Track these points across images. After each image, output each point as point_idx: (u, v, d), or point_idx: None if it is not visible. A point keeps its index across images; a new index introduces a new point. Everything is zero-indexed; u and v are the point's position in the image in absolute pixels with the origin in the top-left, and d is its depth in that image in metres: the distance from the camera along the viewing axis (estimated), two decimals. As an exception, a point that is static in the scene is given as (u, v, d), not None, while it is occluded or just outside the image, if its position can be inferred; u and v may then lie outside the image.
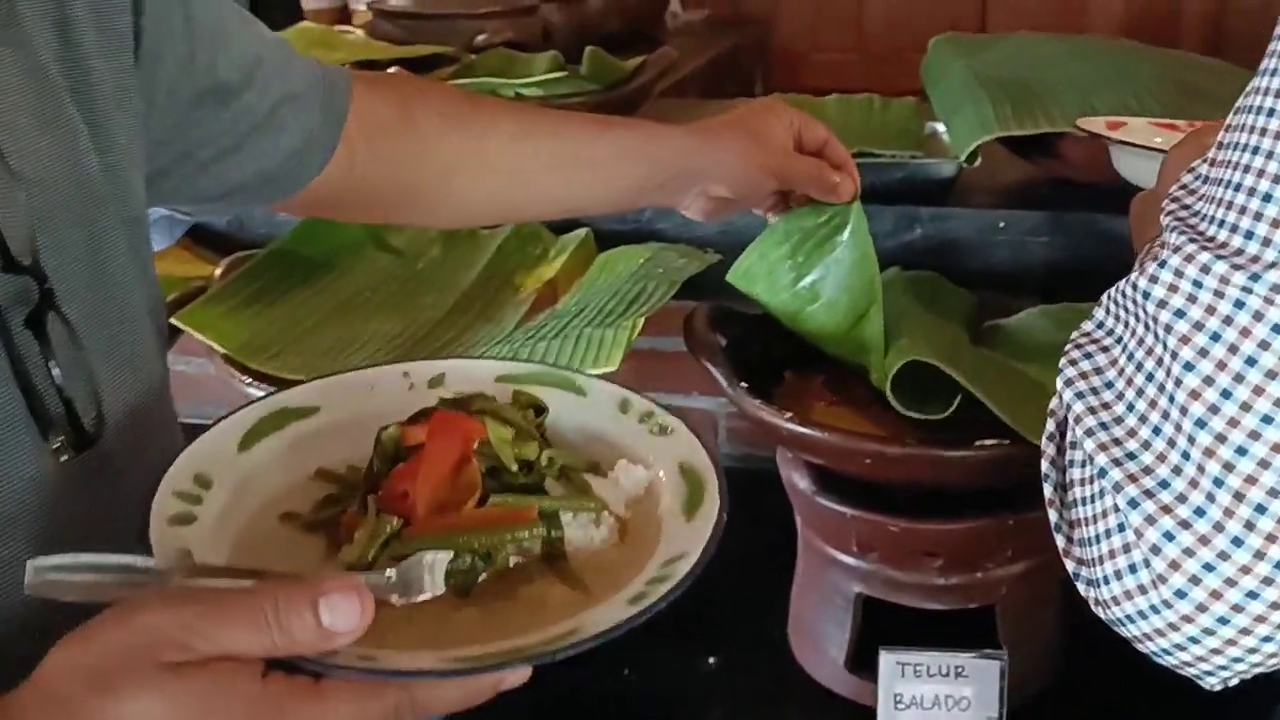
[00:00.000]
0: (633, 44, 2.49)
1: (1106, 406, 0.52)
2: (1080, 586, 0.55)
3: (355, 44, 1.63)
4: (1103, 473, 0.50)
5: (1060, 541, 0.57)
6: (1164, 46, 1.41)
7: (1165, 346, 0.48)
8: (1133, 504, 0.48)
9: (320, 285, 1.14)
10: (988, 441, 0.82)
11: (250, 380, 0.98)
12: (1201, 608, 0.47)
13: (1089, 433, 0.52)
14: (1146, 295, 0.50)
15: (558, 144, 0.85)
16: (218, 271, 1.13)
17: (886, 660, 0.92)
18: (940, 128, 1.35)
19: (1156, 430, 0.49)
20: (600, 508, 0.59)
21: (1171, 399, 0.48)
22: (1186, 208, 0.52)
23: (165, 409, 0.65)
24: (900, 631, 0.97)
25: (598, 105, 1.36)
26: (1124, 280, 0.53)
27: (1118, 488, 0.49)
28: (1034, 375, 0.94)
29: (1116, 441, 0.50)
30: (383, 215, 0.92)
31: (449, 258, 1.21)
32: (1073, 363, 0.56)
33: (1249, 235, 0.47)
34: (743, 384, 0.94)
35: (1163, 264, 0.50)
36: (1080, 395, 0.53)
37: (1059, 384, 0.56)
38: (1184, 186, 0.54)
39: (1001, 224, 1.18)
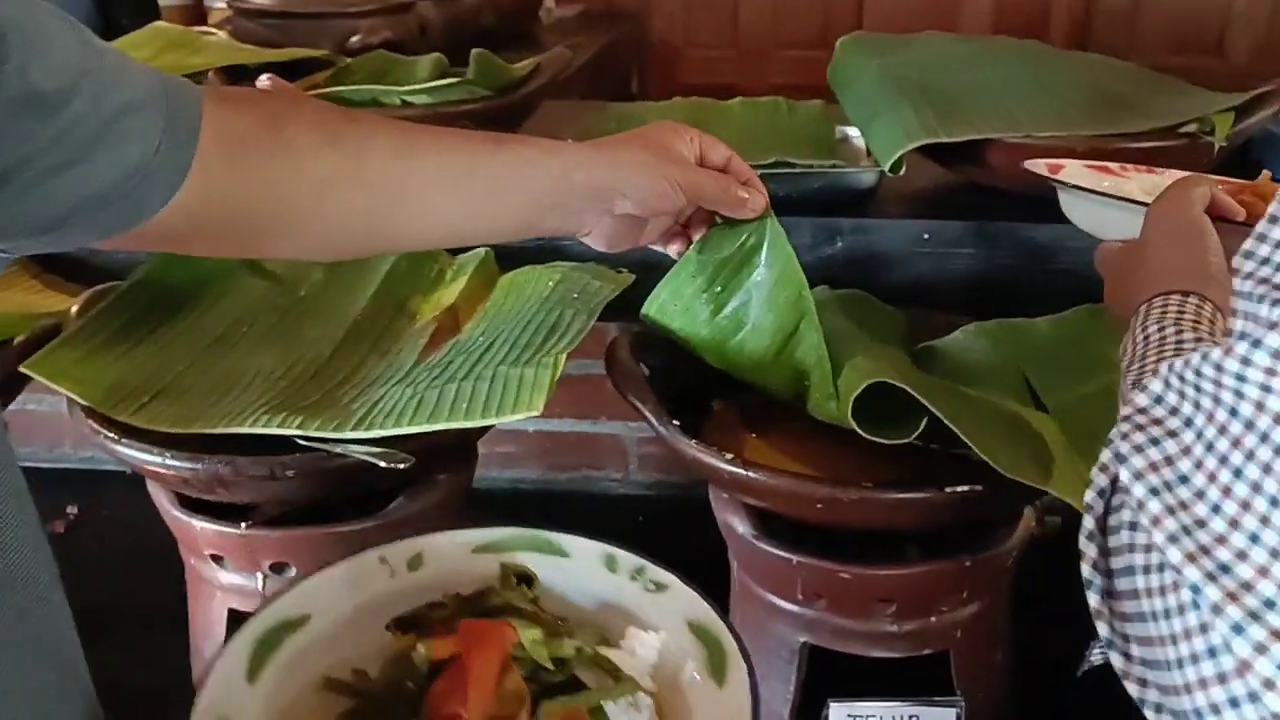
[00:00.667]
0: (509, 42, 2.40)
1: (1185, 506, 0.44)
2: (1150, 715, 0.47)
3: (217, 47, 1.50)
4: (1195, 589, 0.43)
5: (1117, 661, 0.48)
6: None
7: (1265, 438, 0.41)
8: (1237, 629, 0.41)
9: (190, 320, 1.02)
10: (960, 488, 0.75)
11: (117, 436, 0.86)
12: None
13: (1172, 539, 0.44)
14: (1241, 378, 0.43)
15: (445, 159, 0.75)
16: (74, 308, 1.00)
17: (837, 713, 0.86)
18: (852, 132, 1.29)
19: (1254, 538, 0.41)
20: (634, 688, 0.57)
21: (1275, 502, 0.41)
22: (1266, 282, 0.46)
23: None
24: (845, 678, 0.91)
25: (490, 111, 1.27)
26: (1195, 357, 0.46)
27: (1216, 609, 0.42)
28: (982, 400, 0.88)
29: (1205, 550, 0.43)
30: (247, 246, 0.78)
31: (334, 283, 1.10)
32: (1137, 449, 0.48)
33: None
34: (675, 421, 0.86)
35: (1257, 343, 0.43)
36: (1154, 491, 0.46)
37: (1122, 473, 0.48)
38: (1262, 259, 0.48)
39: (926, 235, 1.13)
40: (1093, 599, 0.49)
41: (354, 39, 1.62)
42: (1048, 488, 0.75)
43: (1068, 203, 0.89)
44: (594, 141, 0.82)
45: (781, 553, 0.85)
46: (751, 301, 0.89)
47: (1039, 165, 0.91)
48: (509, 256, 1.13)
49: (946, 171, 1.20)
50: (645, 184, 0.80)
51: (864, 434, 0.80)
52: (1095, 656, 0.62)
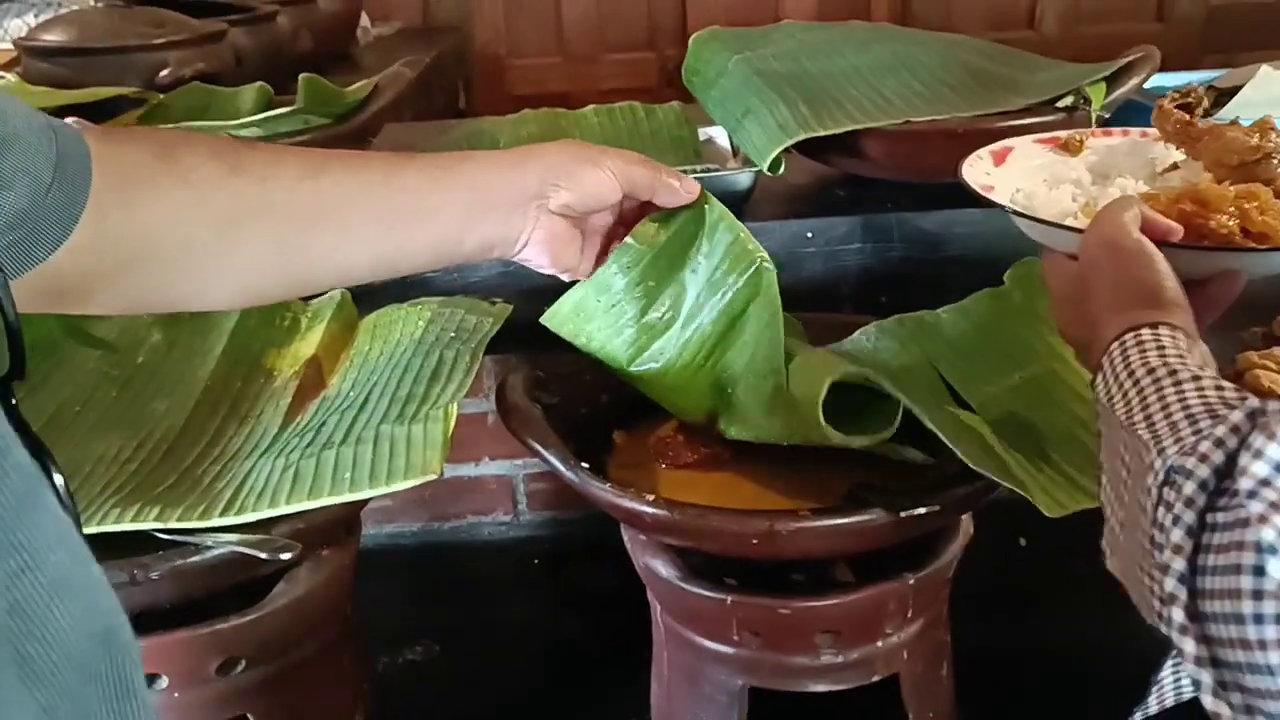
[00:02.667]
0: (328, 66, 2.28)
1: None
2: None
3: (7, 91, 1.35)
4: None
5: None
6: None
7: None
8: None
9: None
10: (918, 511, 0.69)
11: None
12: None
13: None
14: None
15: (358, 176, 0.69)
16: None
17: (787, 758, 0.79)
18: (715, 133, 1.24)
19: None
20: None
21: None
22: None
23: None
24: (788, 714, 0.85)
25: (329, 139, 1.17)
26: None
27: None
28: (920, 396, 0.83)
29: None
30: (149, 296, 0.68)
31: (175, 346, 0.98)
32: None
33: None
34: (583, 464, 0.78)
35: None
36: None
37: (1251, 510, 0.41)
38: None
39: (809, 234, 1.07)
40: (1192, 667, 0.43)
41: (164, 73, 1.49)
42: (1009, 483, 0.71)
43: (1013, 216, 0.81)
44: (513, 149, 0.77)
45: (713, 594, 0.78)
46: (686, 295, 0.82)
47: (978, 165, 0.83)
48: (365, 297, 1.04)
49: (822, 166, 1.15)
50: (580, 171, 0.75)
51: (837, 439, 0.74)
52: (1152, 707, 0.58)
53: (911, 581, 0.78)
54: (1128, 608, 0.50)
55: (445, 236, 0.72)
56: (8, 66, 1.52)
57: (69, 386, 0.93)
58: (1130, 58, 1.10)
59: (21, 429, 0.39)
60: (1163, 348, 0.55)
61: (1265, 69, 1.07)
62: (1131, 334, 0.57)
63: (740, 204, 1.09)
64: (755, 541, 0.72)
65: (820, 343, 0.97)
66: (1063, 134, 0.88)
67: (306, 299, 1.03)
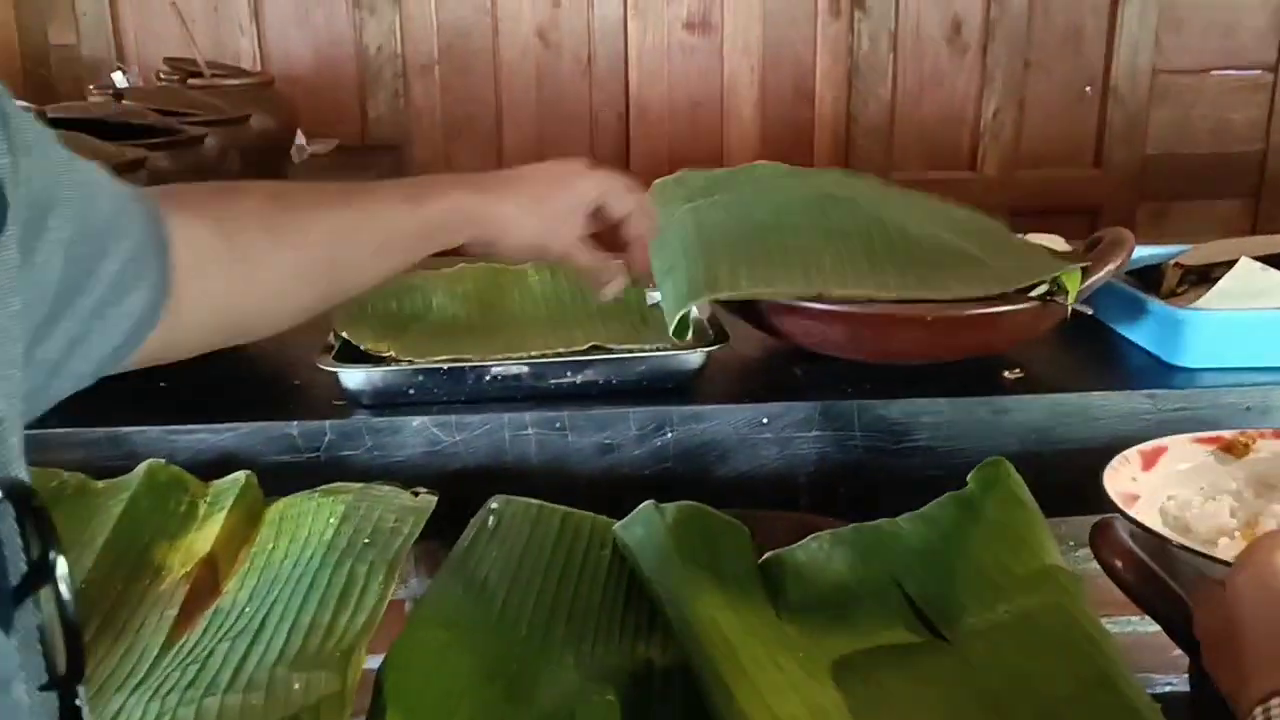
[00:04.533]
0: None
1: None
2: None
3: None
4: None
5: None
6: (801, 163, 1.29)
7: None
8: None
9: None
10: None
11: None
12: None
13: None
14: None
15: (375, 234, 0.78)
16: None
17: None
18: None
19: None
20: None
21: None
22: None
23: None
24: None
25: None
26: None
27: None
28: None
29: None
30: (190, 348, 0.75)
31: (52, 533, 0.86)
32: None
33: None
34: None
35: None
36: None
37: None
38: None
39: (764, 419, 0.99)
40: None
41: (72, 204, 1.38)
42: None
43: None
44: (492, 176, 0.85)
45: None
46: None
47: (1124, 470, 0.74)
48: (273, 473, 0.93)
49: (780, 343, 1.07)
50: (515, 243, 0.84)
51: None
52: None
53: None
54: None
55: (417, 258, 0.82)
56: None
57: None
58: (1101, 239, 1.05)
59: None
60: None
61: (1244, 261, 1.02)
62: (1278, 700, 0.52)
63: (691, 384, 1.01)
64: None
65: (769, 546, 0.88)
66: (1229, 434, 0.79)
67: (204, 479, 0.92)
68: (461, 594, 0.77)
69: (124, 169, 1.49)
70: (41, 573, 0.36)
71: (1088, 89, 3.03)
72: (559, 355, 0.98)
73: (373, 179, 2.75)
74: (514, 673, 0.71)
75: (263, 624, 0.72)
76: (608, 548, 0.87)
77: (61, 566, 0.37)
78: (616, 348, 1.00)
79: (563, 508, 0.90)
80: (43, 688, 0.36)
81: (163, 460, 0.92)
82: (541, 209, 0.84)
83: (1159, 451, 0.78)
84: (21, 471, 0.39)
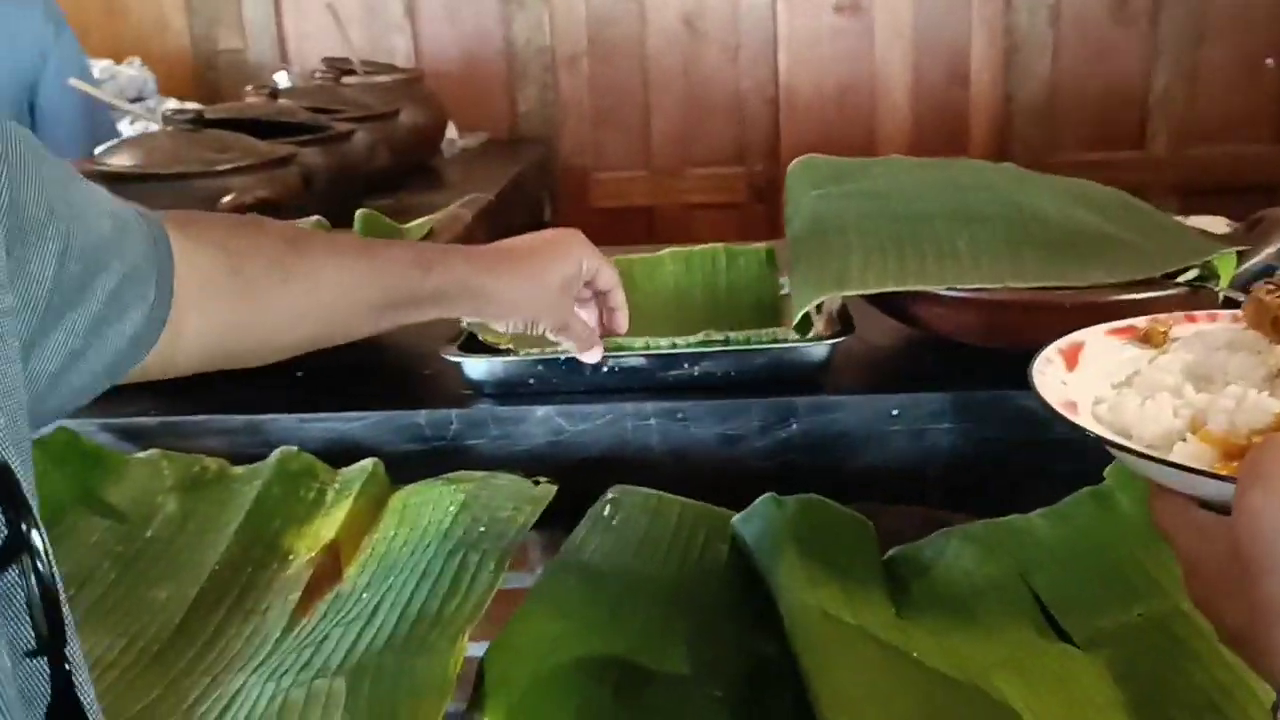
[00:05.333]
0: (409, 180, 2.24)
1: None
2: None
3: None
4: None
5: None
6: (953, 154, 1.23)
7: None
8: None
9: (0, 589, 0.81)
10: None
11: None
12: None
13: None
14: None
15: (381, 293, 0.79)
16: None
17: None
18: (794, 284, 1.14)
19: None
20: None
21: None
22: None
23: None
24: None
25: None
26: None
27: None
28: (968, 657, 0.70)
29: None
30: (203, 369, 0.77)
31: (191, 518, 0.90)
32: None
33: None
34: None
35: None
36: None
37: None
38: None
39: (894, 411, 0.96)
40: None
41: (225, 200, 1.43)
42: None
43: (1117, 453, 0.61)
44: (492, 265, 0.84)
45: None
46: None
47: (1050, 372, 0.67)
48: (400, 462, 0.95)
49: (913, 331, 1.04)
50: (521, 324, 0.86)
51: None
52: None
53: None
54: None
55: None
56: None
57: (67, 564, 0.85)
58: (1262, 219, 0.98)
59: None
60: None
61: None
62: None
63: (818, 374, 0.99)
64: None
65: (895, 541, 0.85)
66: (1139, 322, 0.71)
67: (335, 466, 0.95)
68: (574, 585, 0.76)
69: (274, 164, 1.54)
70: (17, 545, 0.37)
71: (1269, 61, 2.86)
72: (675, 347, 0.97)
73: (522, 171, 2.79)
74: (624, 667, 0.70)
75: (375, 610, 0.73)
76: (726, 540, 0.85)
77: (36, 539, 0.38)
78: (726, 336, 0.98)
79: (681, 499, 0.89)
80: (28, 654, 0.38)
81: (294, 448, 0.95)
82: (539, 287, 0.85)
83: (1077, 348, 0.69)
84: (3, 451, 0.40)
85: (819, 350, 0.97)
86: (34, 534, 0.38)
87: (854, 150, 1.65)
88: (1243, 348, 0.67)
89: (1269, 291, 0.67)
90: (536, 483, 0.88)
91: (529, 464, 0.97)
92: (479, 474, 0.90)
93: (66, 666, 0.40)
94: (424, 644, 0.67)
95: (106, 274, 0.58)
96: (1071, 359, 0.69)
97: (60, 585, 0.39)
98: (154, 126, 1.62)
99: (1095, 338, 0.71)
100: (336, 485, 0.92)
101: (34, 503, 0.40)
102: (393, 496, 0.90)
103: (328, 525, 0.87)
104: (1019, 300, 0.94)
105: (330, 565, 0.84)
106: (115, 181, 1.45)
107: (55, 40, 1.99)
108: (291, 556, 0.86)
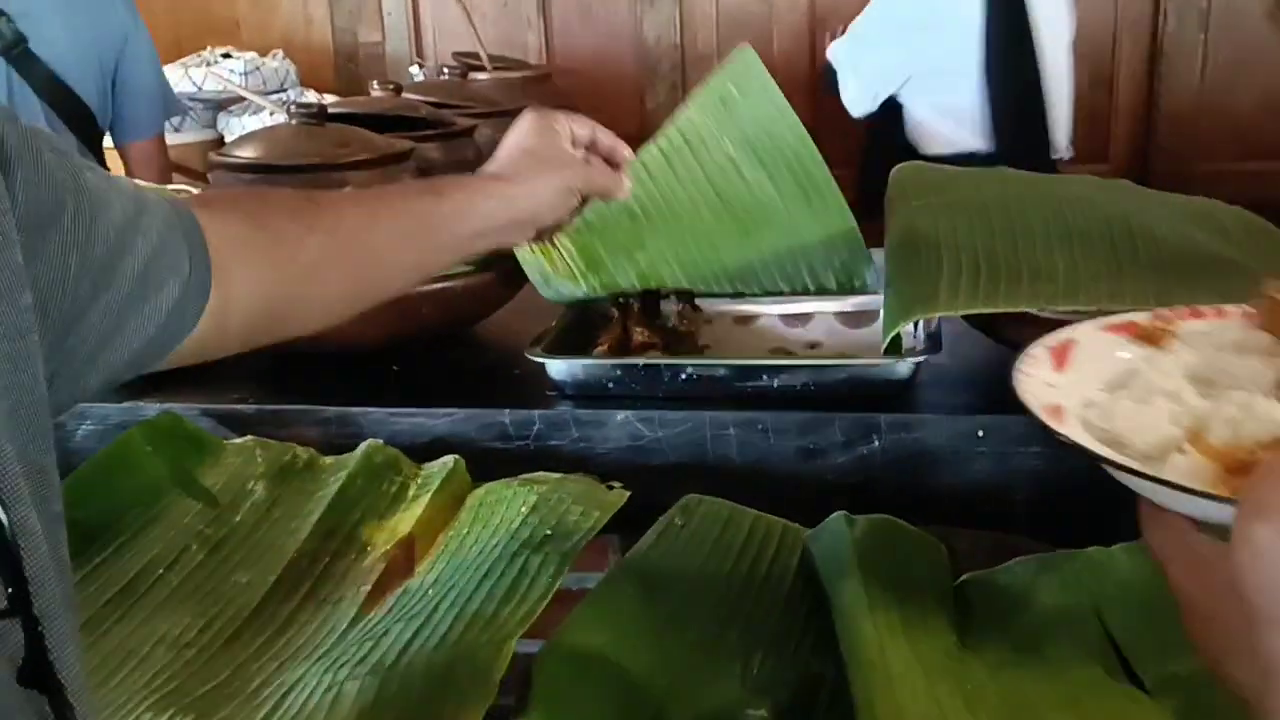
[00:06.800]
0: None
1: None
2: None
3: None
4: None
5: None
6: (1092, 161, 1.19)
7: None
8: None
9: (93, 565, 0.85)
10: None
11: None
12: None
13: None
14: None
15: (402, 223, 0.84)
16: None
17: None
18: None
19: None
20: None
21: None
22: None
23: None
24: None
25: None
26: None
27: None
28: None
29: None
30: (263, 336, 0.79)
31: (277, 503, 0.93)
32: None
33: None
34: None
35: None
36: None
37: None
38: None
39: (980, 433, 0.94)
40: None
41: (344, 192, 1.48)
42: None
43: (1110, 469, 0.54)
44: (500, 171, 0.92)
45: None
46: None
47: (1036, 373, 0.60)
48: (482, 459, 0.97)
49: (1004, 349, 1.01)
50: (558, 203, 0.94)
51: None
52: None
53: None
54: None
55: (455, 257, 0.91)
56: (197, 180, 1.56)
57: (160, 544, 0.89)
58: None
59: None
60: None
61: None
62: None
63: (903, 391, 0.97)
64: None
65: (970, 566, 0.83)
66: (1140, 318, 0.64)
67: (418, 462, 0.97)
68: (632, 593, 0.77)
69: (391, 159, 1.58)
70: None
71: None
72: (755, 359, 0.96)
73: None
74: (674, 677, 0.70)
75: (435, 609, 0.75)
76: (796, 555, 0.85)
77: None
78: (801, 355, 0.97)
79: (754, 511, 0.89)
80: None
81: (380, 441, 0.97)
82: (545, 179, 0.92)
83: (1067, 346, 0.63)
84: None
85: (902, 368, 0.95)
86: None
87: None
88: (1253, 350, 0.60)
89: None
90: (611, 487, 0.89)
91: (608, 467, 0.97)
92: (555, 475, 0.91)
93: (39, 628, 0.41)
94: (473, 647, 0.68)
95: (132, 255, 0.59)
96: (1061, 358, 0.62)
97: (20, 546, 0.41)
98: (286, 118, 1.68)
99: (1089, 334, 0.64)
100: (418, 480, 0.95)
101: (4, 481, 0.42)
102: (470, 494, 0.92)
103: (405, 519, 0.89)
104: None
105: (404, 559, 0.86)
106: (240, 172, 1.51)
107: (134, 29, 2.25)
108: (369, 548, 0.88)
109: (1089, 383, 0.59)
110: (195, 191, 1.50)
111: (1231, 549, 0.42)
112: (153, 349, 0.63)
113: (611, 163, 1.00)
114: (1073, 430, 0.54)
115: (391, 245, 0.83)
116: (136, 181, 0.68)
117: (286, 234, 0.75)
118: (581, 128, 0.97)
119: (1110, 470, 0.50)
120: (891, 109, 2.53)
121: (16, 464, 0.43)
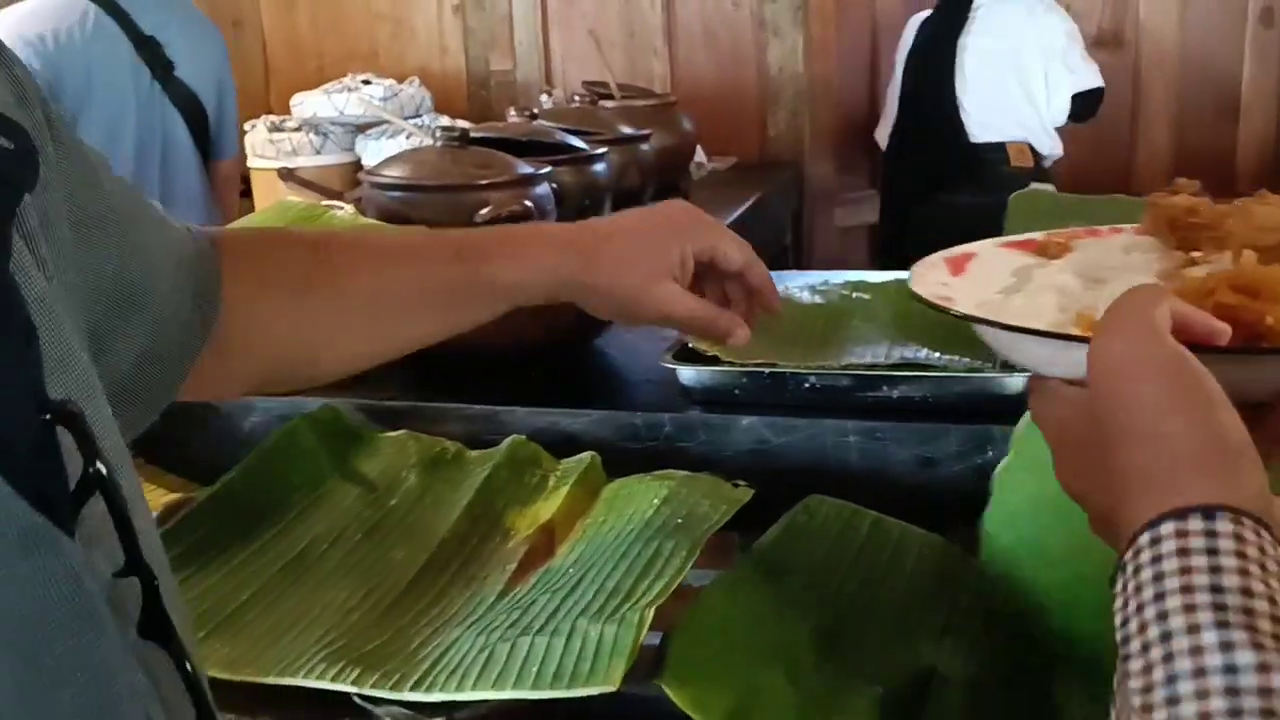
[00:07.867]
0: (654, 199, 2.35)
1: None
2: None
3: (342, 224, 1.47)
4: None
5: None
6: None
7: None
8: None
9: (267, 538, 0.94)
10: None
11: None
12: None
13: None
14: None
15: (415, 283, 0.79)
16: (144, 523, 0.94)
17: None
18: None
19: None
20: None
21: None
22: None
23: None
24: None
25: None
26: None
27: None
28: None
29: None
30: (255, 382, 0.82)
31: (429, 491, 1.01)
32: None
33: None
34: None
35: None
36: None
37: None
38: None
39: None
40: None
41: (482, 212, 1.57)
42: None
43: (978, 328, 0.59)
44: (584, 231, 0.82)
45: None
46: None
47: (930, 275, 0.63)
48: (616, 457, 1.03)
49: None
50: (608, 304, 0.80)
51: None
52: None
53: None
54: None
55: (484, 319, 0.81)
56: (348, 199, 1.66)
57: (323, 524, 0.97)
58: None
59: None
60: (1219, 568, 0.38)
61: None
62: (1172, 524, 0.39)
63: (1015, 405, 1.01)
64: None
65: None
66: (1038, 235, 0.68)
67: (557, 456, 1.04)
68: (759, 579, 0.83)
69: (528, 181, 1.67)
70: (91, 482, 0.40)
71: None
72: (873, 369, 1.01)
73: (765, 194, 2.85)
74: (792, 658, 0.76)
75: (578, 583, 0.82)
76: (911, 556, 0.89)
77: (105, 472, 0.41)
78: (923, 363, 1.02)
79: (874, 513, 0.94)
80: (116, 574, 0.41)
81: (524, 437, 1.05)
82: (621, 281, 0.78)
83: (967, 257, 0.66)
84: (77, 402, 0.42)
85: (1014, 382, 0.99)
86: (103, 469, 0.41)
87: (1109, 186, 1.61)
88: (1143, 250, 0.64)
89: (1168, 195, 0.65)
90: (735, 485, 0.95)
91: (733, 470, 1.03)
92: (683, 473, 0.98)
93: (155, 583, 0.42)
94: (616, 614, 0.75)
95: (161, 276, 0.62)
96: (958, 266, 0.66)
97: (130, 512, 0.42)
98: (426, 141, 1.79)
99: (988, 249, 0.68)
100: (558, 473, 1.02)
101: (107, 443, 0.43)
102: (605, 487, 0.99)
103: (546, 508, 0.97)
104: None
105: (545, 543, 0.93)
106: (389, 190, 1.62)
107: (226, 61, 2.58)
108: (512, 533, 0.95)
109: (983, 288, 0.62)
110: (341, 212, 1.60)
111: (1088, 375, 0.45)
112: (154, 362, 0.63)
113: (750, 302, 0.84)
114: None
115: (409, 309, 0.79)
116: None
117: (302, 282, 0.75)
118: (734, 250, 0.80)
119: (991, 340, 0.55)
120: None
121: (116, 423, 0.47)
